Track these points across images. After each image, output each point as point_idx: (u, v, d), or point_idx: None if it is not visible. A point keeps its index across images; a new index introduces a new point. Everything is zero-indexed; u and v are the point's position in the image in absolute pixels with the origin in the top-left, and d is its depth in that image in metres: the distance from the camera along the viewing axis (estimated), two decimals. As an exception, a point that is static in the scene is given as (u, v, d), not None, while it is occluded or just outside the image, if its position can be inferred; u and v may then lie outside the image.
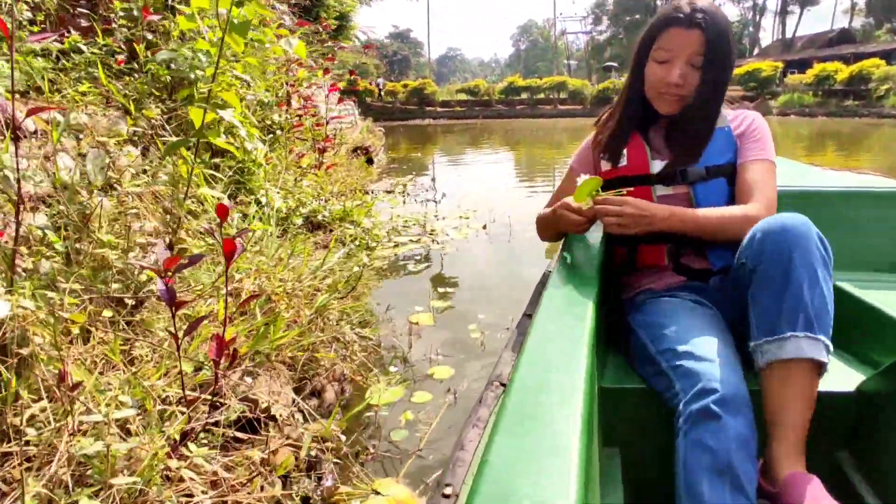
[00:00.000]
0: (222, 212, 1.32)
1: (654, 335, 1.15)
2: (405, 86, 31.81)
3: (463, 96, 33.30)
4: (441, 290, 3.32)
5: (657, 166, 1.32)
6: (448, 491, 0.92)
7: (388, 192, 6.79)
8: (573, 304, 1.00)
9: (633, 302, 1.32)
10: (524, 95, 32.06)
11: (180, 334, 1.28)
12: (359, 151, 8.64)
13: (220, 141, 1.94)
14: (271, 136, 3.89)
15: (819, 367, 0.97)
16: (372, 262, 3.80)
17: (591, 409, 0.74)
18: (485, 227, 4.95)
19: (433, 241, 4.46)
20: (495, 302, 3.14)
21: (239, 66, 2.78)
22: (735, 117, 1.34)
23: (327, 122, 4.76)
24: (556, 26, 65.34)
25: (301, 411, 1.67)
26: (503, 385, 1.22)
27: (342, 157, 6.87)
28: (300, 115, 4.96)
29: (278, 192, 3.34)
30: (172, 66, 2.13)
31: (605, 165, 1.41)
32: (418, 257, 4.05)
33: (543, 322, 0.94)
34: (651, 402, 1.11)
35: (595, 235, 1.37)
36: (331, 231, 3.35)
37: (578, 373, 0.76)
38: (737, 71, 24.36)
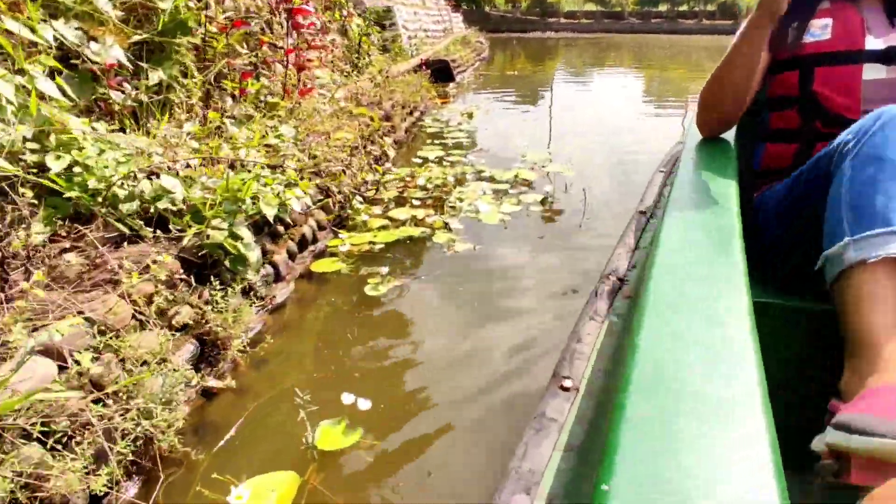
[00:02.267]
0: None
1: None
2: (527, -7, 28.57)
3: (592, 7, 29.57)
4: (363, 387, 1.62)
5: (873, 42, 1.07)
6: (568, 384, 0.93)
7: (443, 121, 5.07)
8: (711, 207, 0.86)
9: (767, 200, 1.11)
10: (663, 7, 27.82)
11: None
12: (424, 68, 6.86)
13: None
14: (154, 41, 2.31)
15: None
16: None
17: (753, 326, 0.60)
18: (543, 200, 3.16)
19: (445, 224, 2.76)
20: (472, 426, 1.48)
21: None
22: None
23: (290, 24, 2.99)
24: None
25: None
26: (620, 280, 1.24)
27: (382, 75, 5.19)
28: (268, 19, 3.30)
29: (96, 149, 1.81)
30: None
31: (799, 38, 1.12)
32: (401, 263, 2.42)
33: (676, 224, 0.81)
34: (809, 323, 0.95)
35: (727, 136, 1.18)
36: (179, 234, 1.76)
37: (735, 285, 0.64)
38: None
